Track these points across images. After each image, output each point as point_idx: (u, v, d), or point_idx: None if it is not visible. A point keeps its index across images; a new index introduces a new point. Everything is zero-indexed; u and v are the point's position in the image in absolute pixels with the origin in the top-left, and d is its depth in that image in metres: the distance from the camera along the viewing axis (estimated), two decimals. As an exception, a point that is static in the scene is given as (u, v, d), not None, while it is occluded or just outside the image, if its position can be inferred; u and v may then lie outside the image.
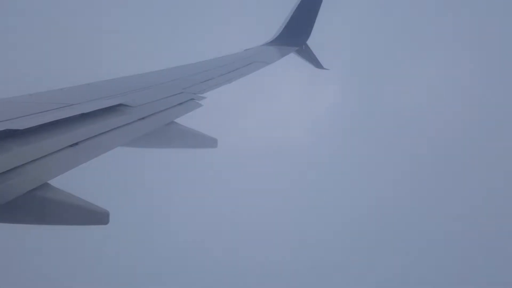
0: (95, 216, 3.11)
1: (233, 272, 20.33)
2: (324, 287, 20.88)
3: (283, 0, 12.07)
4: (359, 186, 22.01)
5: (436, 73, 23.10)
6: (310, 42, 10.93)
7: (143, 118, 4.36)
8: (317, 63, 11.06)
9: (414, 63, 22.82)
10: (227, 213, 20.94)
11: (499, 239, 21.12)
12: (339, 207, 21.73)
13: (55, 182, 3.02)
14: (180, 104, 5.14)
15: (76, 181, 3.53)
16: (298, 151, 21.89)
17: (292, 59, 10.55)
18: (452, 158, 22.43)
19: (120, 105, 4.42)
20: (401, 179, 22.06)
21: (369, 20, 23.14)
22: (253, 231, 20.86)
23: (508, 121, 22.08)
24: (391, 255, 21.46)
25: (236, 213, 21.05)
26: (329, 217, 21.50)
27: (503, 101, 22.19)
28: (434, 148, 22.23)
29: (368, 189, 21.98)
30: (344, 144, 22.21)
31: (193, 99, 5.42)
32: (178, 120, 4.83)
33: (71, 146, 3.35)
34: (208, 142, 5.03)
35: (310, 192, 21.81)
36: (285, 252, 20.89)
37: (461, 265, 20.96)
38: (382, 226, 21.71)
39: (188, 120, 4.90)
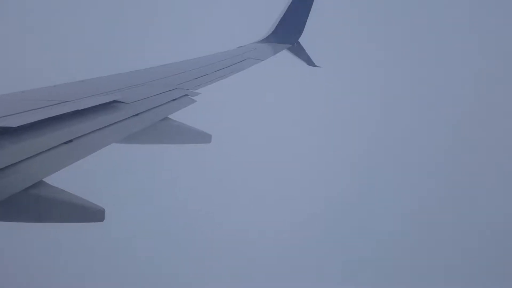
0: (91, 214, 3.11)
1: (233, 269, 20.30)
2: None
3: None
4: (356, 187, 22.01)
5: (430, 69, 23.17)
6: (302, 40, 10.99)
7: (137, 115, 4.37)
8: (309, 61, 11.12)
9: (406, 60, 22.85)
10: (222, 209, 20.94)
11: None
12: (336, 202, 21.74)
13: (50, 179, 3.01)
14: (174, 100, 5.15)
15: (71, 178, 3.53)
16: (292, 146, 21.92)
17: (285, 56, 10.60)
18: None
19: (114, 101, 4.42)
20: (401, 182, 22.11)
21: (361, 18, 23.16)
22: (250, 229, 20.86)
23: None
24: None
25: (231, 209, 21.05)
26: (325, 213, 21.53)
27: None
28: (433, 151, 22.29)
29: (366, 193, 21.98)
30: (338, 140, 22.26)
31: (187, 95, 5.43)
32: (172, 116, 4.84)
33: (65, 143, 3.34)
34: (202, 137, 5.06)
35: (305, 188, 21.82)
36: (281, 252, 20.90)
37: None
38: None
39: (182, 116, 4.91)
